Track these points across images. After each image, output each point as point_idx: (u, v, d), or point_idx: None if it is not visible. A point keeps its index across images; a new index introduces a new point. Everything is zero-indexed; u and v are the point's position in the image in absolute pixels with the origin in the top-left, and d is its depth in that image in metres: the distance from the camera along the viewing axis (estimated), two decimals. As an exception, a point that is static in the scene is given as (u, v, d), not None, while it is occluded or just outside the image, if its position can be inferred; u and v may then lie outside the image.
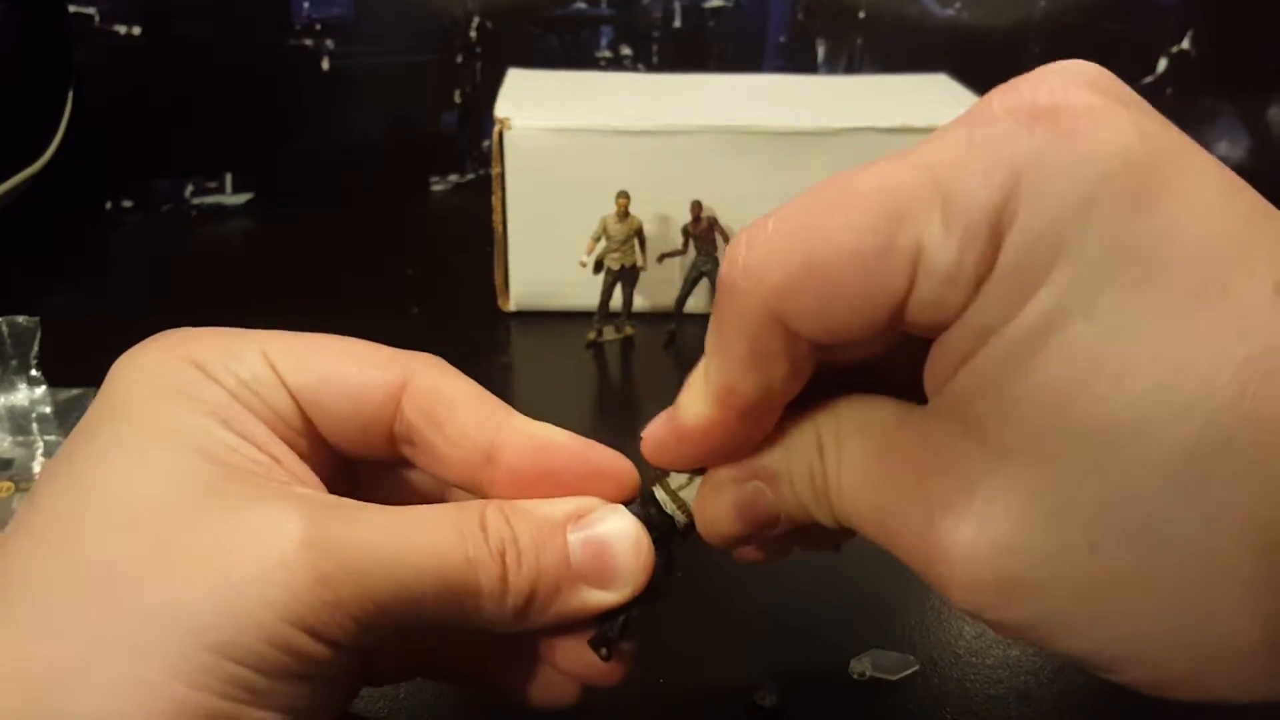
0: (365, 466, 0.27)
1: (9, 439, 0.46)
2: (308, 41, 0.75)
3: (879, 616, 0.38)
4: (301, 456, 0.24)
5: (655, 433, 0.24)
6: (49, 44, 0.70)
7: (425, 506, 0.23)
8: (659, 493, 0.26)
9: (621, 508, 0.25)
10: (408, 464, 0.26)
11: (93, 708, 0.19)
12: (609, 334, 0.60)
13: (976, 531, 0.18)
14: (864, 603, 0.39)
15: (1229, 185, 0.18)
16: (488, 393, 0.26)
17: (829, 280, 0.19)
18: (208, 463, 0.22)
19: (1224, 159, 0.82)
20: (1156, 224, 0.17)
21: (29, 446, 0.46)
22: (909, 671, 0.35)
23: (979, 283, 0.18)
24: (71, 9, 0.69)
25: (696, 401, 0.23)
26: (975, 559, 0.18)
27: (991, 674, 0.36)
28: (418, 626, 0.23)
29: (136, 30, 0.71)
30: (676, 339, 0.60)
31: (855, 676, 0.35)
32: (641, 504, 0.26)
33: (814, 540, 0.27)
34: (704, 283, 0.59)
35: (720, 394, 0.22)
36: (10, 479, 0.44)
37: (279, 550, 0.20)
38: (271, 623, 0.20)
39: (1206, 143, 0.79)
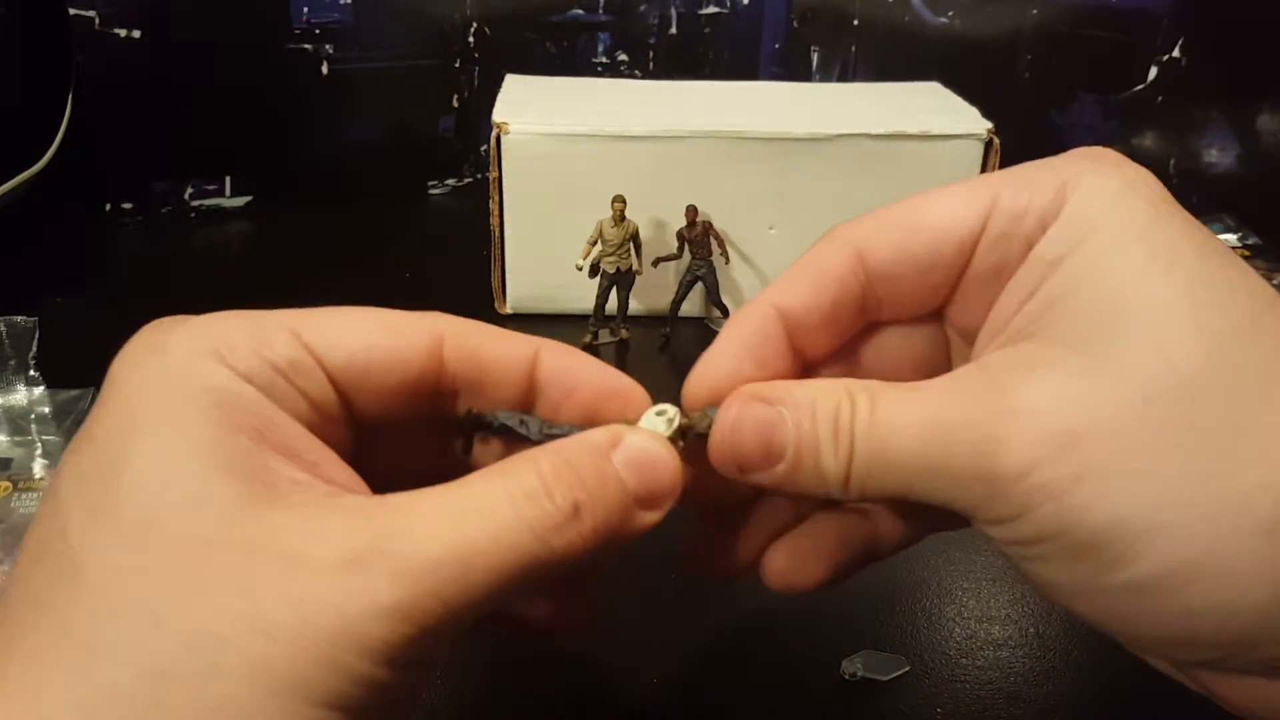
0: (391, 430, 0.26)
1: (7, 439, 0.46)
2: (307, 46, 0.75)
3: (870, 617, 0.39)
4: (335, 443, 0.24)
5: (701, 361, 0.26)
6: (49, 47, 0.71)
7: (473, 486, 0.22)
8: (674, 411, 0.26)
9: (639, 428, 0.25)
10: (437, 411, 0.26)
11: None
12: (605, 337, 0.60)
13: (1047, 392, 0.21)
14: (856, 604, 0.39)
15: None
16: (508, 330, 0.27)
17: (917, 224, 0.25)
18: (263, 489, 0.20)
19: (1214, 166, 0.82)
20: (1175, 219, 0.23)
21: (28, 446, 0.46)
22: (900, 672, 0.36)
23: (1044, 225, 0.23)
24: (72, 12, 0.69)
25: (742, 313, 0.26)
26: (1043, 412, 0.21)
27: (981, 675, 0.36)
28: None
29: (136, 33, 0.71)
30: (671, 342, 0.60)
31: (846, 677, 0.36)
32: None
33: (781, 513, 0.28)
34: (698, 286, 0.60)
35: (771, 294, 0.26)
36: (9, 479, 0.44)
37: (368, 599, 0.19)
38: (363, 667, 0.19)
39: (1196, 150, 0.81)
